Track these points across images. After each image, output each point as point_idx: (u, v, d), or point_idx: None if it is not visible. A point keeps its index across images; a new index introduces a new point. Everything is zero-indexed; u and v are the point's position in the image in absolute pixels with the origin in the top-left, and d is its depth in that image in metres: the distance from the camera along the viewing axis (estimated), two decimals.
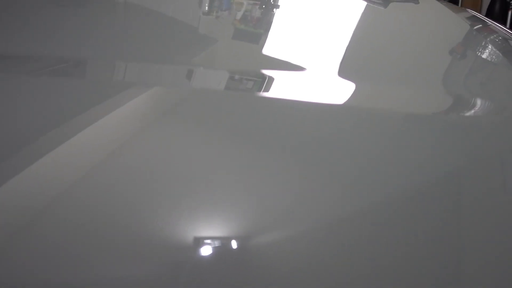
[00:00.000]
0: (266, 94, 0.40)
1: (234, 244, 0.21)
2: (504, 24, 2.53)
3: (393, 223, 0.24)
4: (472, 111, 0.41)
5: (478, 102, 0.43)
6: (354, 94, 0.41)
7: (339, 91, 0.41)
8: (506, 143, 0.35)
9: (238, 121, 0.33)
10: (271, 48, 0.53)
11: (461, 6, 2.69)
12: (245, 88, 0.42)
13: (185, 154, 0.28)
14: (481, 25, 0.74)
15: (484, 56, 0.60)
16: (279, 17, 0.68)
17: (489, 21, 0.78)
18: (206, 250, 0.21)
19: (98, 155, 0.28)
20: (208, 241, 0.21)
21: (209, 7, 0.76)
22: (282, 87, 0.43)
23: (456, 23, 0.74)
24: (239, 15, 0.71)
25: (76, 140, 0.28)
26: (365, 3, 0.75)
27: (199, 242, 0.21)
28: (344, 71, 0.46)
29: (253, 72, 0.46)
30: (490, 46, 0.63)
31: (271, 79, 0.43)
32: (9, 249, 0.20)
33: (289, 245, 0.22)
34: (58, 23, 0.53)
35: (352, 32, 0.62)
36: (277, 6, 0.77)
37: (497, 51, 0.62)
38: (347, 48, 0.54)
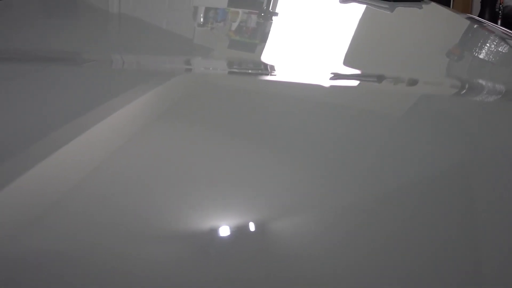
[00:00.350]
0: (267, 92, 0.41)
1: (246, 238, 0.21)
2: None
3: (403, 222, 0.23)
4: (482, 105, 0.42)
5: (489, 97, 0.44)
6: (358, 92, 0.42)
7: (343, 88, 0.42)
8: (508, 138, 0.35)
9: (237, 119, 0.33)
10: (273, 54, 0.54)
11: None
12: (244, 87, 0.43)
13: (190, 147, 0.29)
14: (484, 26, 0.77)
15: (492, 53, 0.62)
16: (281, 25, 0.70)
17: (489, 24, 0.80)
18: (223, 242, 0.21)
19: (116, 144, 0.29)
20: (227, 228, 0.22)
21: (204, 19, 0.78)
22: (285, 84, 0.44)
23: (460, 24, 0.77)
24: (234, 26, 0.73)
25: (92, 129, 0.30)
26: (373, 8, 0.77)
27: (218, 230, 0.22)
28: (348, 68, 0.48)
29: (253, 68, 0.47)
30: (496, 44, 0.65)
31: (271, 81, 0.44)
32: (19, 248, 0.20)
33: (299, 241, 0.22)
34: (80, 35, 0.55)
35: (360, 34, 0.64)
36: (276, 14, 0.79)
37: (503, 48, 0.64)
38: (353, 48, 0.56)
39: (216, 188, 0.24)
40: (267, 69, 0.47)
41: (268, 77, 0.46)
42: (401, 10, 0.78)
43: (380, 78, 0.45)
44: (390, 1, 0.78)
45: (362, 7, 0.79)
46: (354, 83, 0.45)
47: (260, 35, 0.65)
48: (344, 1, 0.83)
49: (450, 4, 2.88)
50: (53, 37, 0.53)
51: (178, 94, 0.39)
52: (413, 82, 0.46)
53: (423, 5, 0.84)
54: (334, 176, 0.27)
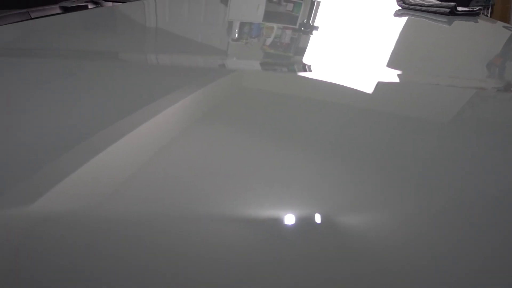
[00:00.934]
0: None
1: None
2: None
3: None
4: None
5: None
6: (413, 97, 0.41)
7: (398, 93, 0.43)
8: None
9: (279, 117, 0.34)
10: (320, 60, 0.54)
11: None
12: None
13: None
14: None
15: None
16: (333, 36, 0.71)
17: None
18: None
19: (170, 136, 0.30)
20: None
21: (238, 33, 0.80)
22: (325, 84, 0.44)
23: None
24: (268, 41, 0.74)
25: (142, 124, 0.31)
26: (431, 22, 0.78)
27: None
28: (403, 77, 0.48)
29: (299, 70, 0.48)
30: None
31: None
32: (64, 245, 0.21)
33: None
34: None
35: (417, 45, 0.64)
36: (315, 28, 0.80)
37: None
38: (409, 58, 0.56)
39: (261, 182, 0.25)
40: (310, 70, 0.48)
41: (312, 76, 0.47)
42: (459, 23, 0.78)
43: (439, 85, 0.46)
44: (448, 15, 0.79)
45: (419, 20, 0.80)
46: (409, 88, 0.45)
47: (303, 47, 0.66)
48: (399, 15, 0.84)
49: None
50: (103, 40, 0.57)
51: (215, 90, 0.40)
52: (474, 89, 0.46)
53: (479, 20, 0.84)
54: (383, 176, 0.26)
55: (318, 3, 1.05)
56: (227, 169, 0.26)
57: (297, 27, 0.83)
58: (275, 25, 0.86)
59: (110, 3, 0.85)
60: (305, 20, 0.90)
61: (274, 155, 0.28)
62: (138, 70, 0.46)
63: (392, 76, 0.47)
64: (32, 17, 0.64)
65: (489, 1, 2.83)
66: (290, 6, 1.14)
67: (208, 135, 0.31)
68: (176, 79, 0.42)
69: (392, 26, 0.78)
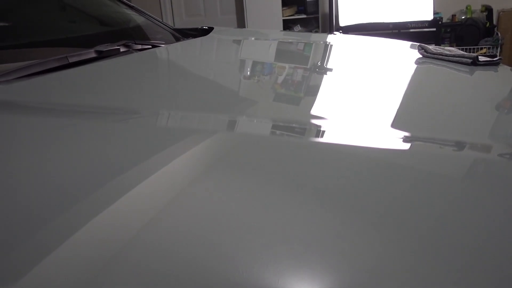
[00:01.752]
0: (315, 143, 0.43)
1: None
2: None
3: None
4: None
5: None
6: (437, 158, 0.41)
7: (420, 153, 0.43)
8: None
9: (287, 170, 0.36)
10: (331, 113, 0.55)
11: None
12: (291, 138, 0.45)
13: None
14: None
15: None
16: (349, 84, 0.72)
17: None
18: None
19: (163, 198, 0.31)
20: None
21: (251, 71, 0.82)
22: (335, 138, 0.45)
23: None
24: (280, 79, 0.75)
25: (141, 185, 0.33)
26: (453, 71, 0.79)
27: None
28: (424, 132, 0.48)
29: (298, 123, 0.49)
30: None
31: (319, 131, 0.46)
32: None
33: None
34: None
35: (436, 96, 0.65)
36: (328, 70, 0.81)
37: None
38: (429, 110, 0.57)
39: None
40: (322, 134, 0.48)
41: (324, 139, 0.47)
42: (480, 73, 0.80)
43: (459, 145, 0.45)
44: (469, 65, 0.80)
45: (439, 70, 0.81)
46: (431, 148, 0.44)
47: (315, 97, 0.67)
48: (420, 63, 0.85)
49: None
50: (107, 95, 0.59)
51: (217, 152, 0.41)
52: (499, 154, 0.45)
53: (498, 69, 0.85)
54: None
55: (342, 50, 1.07)
56: (238, 247, 0.26)
57: (313, 71, 0.85)
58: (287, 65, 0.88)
59: (139, 45, 0.87)
60: (324, 65, 0.92)
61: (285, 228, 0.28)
62: (140, 130, 0.46)
63: (411, 140, 0.47)
64: (70, 61, 0.66)
65: (498, 40, 2.88)
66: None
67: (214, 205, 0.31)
68: (183, 143, 0.42)
69: (411, 75, 0.80)
